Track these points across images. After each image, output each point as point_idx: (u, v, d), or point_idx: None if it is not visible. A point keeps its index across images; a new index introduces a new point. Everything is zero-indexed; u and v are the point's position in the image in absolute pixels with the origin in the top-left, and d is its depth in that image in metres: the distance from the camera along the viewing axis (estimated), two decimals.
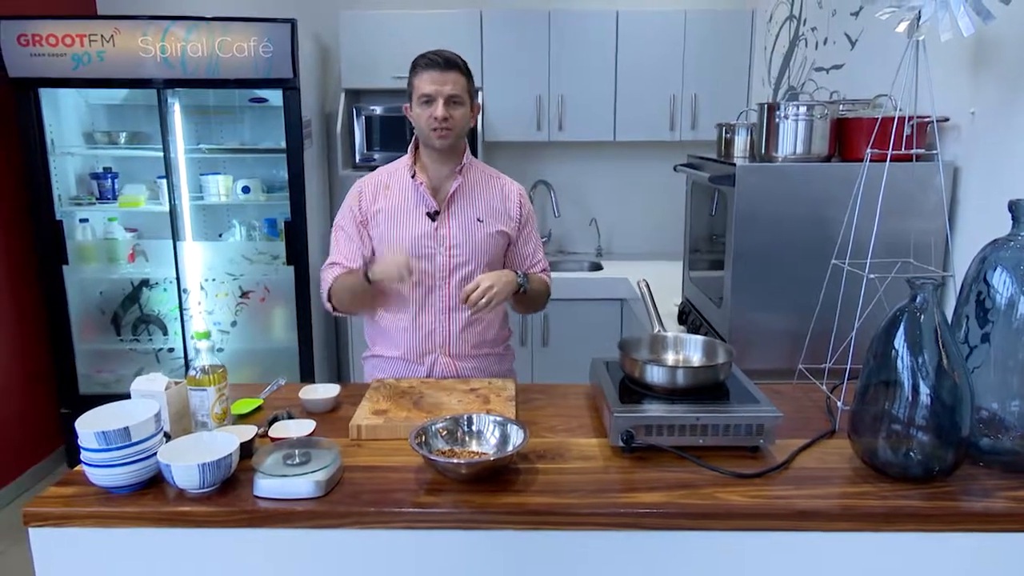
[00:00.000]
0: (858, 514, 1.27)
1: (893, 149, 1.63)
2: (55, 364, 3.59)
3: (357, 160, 3.72)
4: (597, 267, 3.90)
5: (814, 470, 1.41)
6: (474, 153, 3.62)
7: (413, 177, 1.87)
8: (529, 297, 1.91)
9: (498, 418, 1.48)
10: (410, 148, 1.92)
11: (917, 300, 1.35)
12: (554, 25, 3.61)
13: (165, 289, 3.74)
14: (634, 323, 3.36)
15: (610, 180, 4.09)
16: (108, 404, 1.39)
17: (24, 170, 3.38)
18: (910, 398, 1.33)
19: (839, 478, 1.38)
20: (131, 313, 3.79)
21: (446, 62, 1.78)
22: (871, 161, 1.64)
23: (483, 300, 1.74)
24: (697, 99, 3.65)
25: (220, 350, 3.77)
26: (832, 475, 1.39)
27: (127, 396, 1.49)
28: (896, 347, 1.35)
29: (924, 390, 1.32)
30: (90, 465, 1.30)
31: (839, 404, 1.61)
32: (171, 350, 3.80)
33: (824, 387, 1.73)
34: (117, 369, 3.77)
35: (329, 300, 1.92)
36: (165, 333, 3.81)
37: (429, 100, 1.78)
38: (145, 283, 3.76)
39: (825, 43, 2.73)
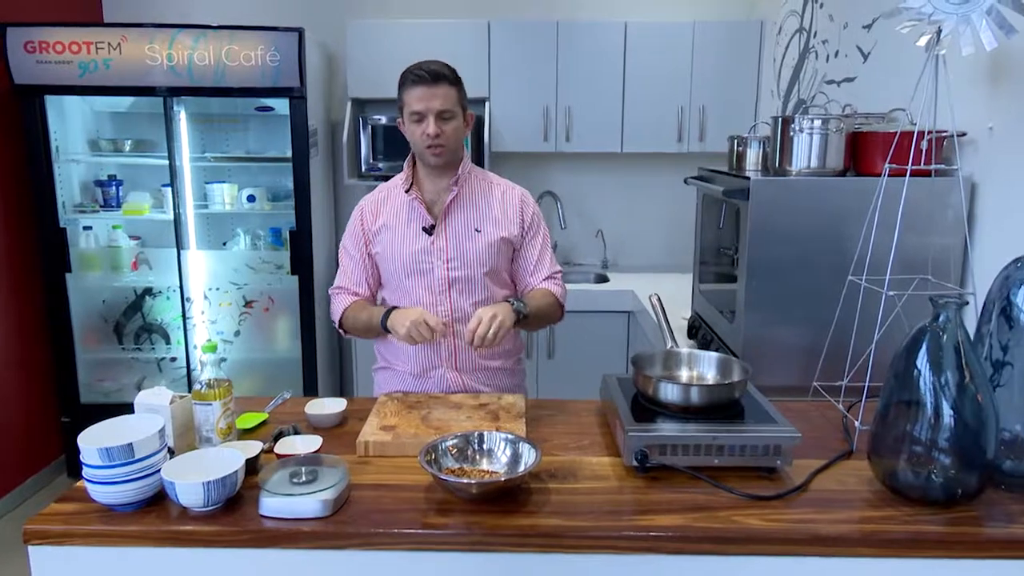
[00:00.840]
0: (880, 539, 1.23)
1: (911, 164, 1.60)
2: (56, 372, 3.56)
3: (363, 169, 3.70)
4: (603, 279, 3.88)
5: (833, 492, 1.37)
6: (480, 164, 3.62)
7: (408, 192, 1.85)
8: (533, 318, 1.83)
9: (509, 436, 1.45)
10: (406, 162, 1.90)
11: (940, 319, 1.32)
12: (562, 36, 3.60)
13: (168, 298, 3.72)
14: (641, 336, 3.33)
15: (617, 191, 4.07)
16: (111, 419, 1.36)
17: (28, 177, 3.36)
18: (932, 419, 1.30)
19: (859, 501, 1.34)
20: (134, 322, 3.77)
21: (433, 76, 1.72)
22: (889, 176, 1.61)
23: (490, 333, 1.65)
24: (705, 111, 3.63)
25: (223, 360, 3.73)
26: (852, 498, 1.35)
27: (129, 405, 1.47)
28: (918, 366, 1.32)
29: (947, 411, 1.29)
30: (92, 482, 1.27)
31: (856, 424, 1.58)
32: (173, 359, 3.77)
33: (840, 406, 1.70)
34: (119, 378, 3.74)
35: (341, 326, 1.94)
36: (168, 342, 3.78)
37: (419, 117, 1.75)
38: (148, 292, 3.74)
39: (836, 56, 2.70)
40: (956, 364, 1.29)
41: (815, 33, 2.92)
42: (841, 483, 1.41)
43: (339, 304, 1.93)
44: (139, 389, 3.71)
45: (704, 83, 3.62)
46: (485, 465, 1.42)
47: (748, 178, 1.95)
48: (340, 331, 1.97)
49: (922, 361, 1.31)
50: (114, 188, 3.63)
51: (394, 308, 1.78)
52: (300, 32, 3.22)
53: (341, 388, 4.12)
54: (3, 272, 3.29)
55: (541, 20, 3.65)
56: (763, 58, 3.57)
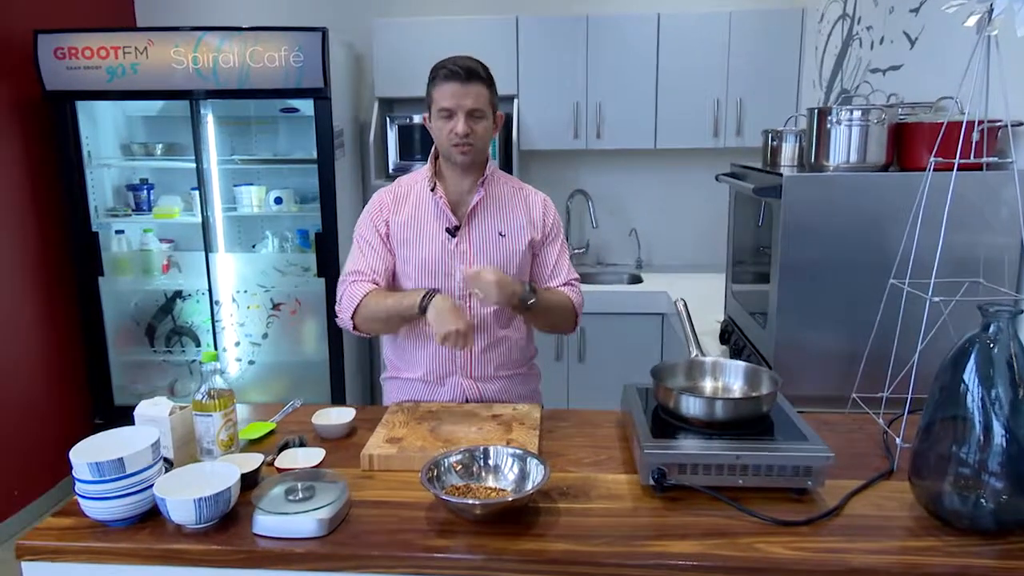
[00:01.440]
0: (921, 573, 1.12)
1: (960, 157, 1.46)
2: (90, 375, 3.61)
3: (390, 170, 3.65)
4: (637, 280, 3.76)
5: (869, 518, 1.26)
6: (509, 163, 3.55)
7: (432, 190, 1.78)
8: (540, 311, 1.73)
9: (517, 451, 1.37)
10: (430, 159, 1.82)
11: (990, 329, 1.19)
12: (592, 30, 3.49)
13: (198, 301, 3.74)
14: (675, 339, 3.21)
15: (650, 189, 3.94)
16: (106, 431, 1.33)
17: (61, 182, 3.41)
18: (982, 439, 1.18)
19: (898, 528, 1.23)
20: (165, 324, 3.80)
21: (467, 73, 1.65)
22: (935, 170, 1.48)
23: (478, 288, 1.62)
24: (743, 104, 3.48)
25: (251, 363, 3.74)
26: (890, 525, 1.24)
27: None
28: (965, 381, 1.20)
29: (998, 430, 1.17)
30: (84, 497, 1.24)
31: (898, 441, 1.45)
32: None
33: (881, 420, 1.57)
34: (152, 380, 3.78)
35: (354, 317, 1.74)
36: (198, 344, 3.80)
37: (449, 114, 1.67)
38: (179, 294, 3.76)
39: (881, 43, 2.54)
40: (1009, 379, 1.17)
41: (859, 19, 2.76)
42: (879, 507, 1.30)
43: (358, 290, 1.73)
44: (172, 392, 3.75)
45: (741, 75, 3.47)
46: (491, 482, 1.35)
47: (781, 175, 1.82)
48: (349, 322, 1.76)
49: (970, 375, 1.20)
50: (145, 192, 3.66)
51: (436, 291, 1.67)
52: (323, 32, 3.19)
53: (372, 392, 4.09)
54: (37, 276, 3.34)
55: (570, 15, 3.55)
56: (804, 48, 3.41)
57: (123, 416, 3.63)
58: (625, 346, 3.45)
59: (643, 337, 3.45)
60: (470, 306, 1.79)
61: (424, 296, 1.64)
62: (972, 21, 1.34)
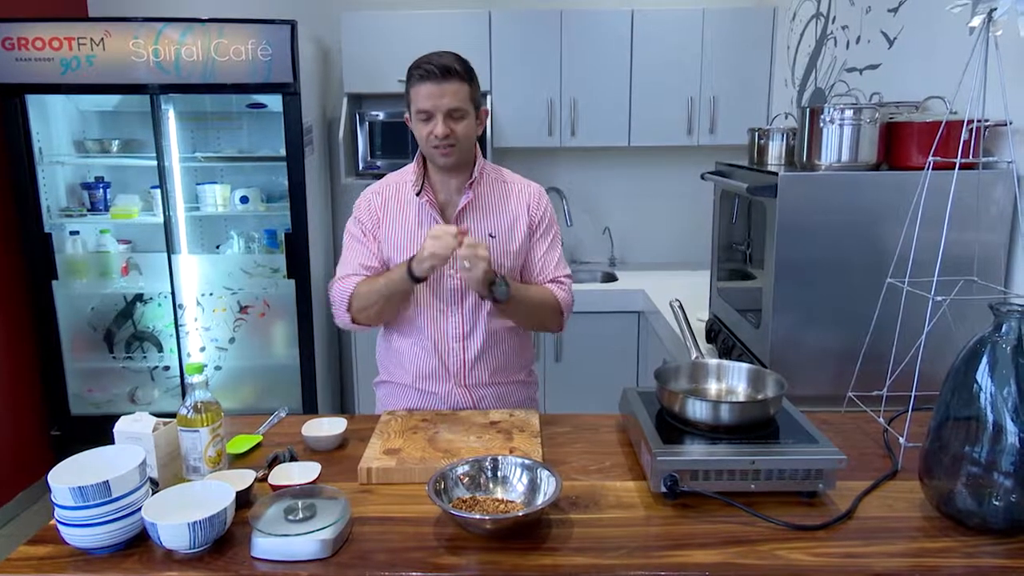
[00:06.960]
0: None
1: (952, 156, 1.47)
2: (45, 384, 3.43)
3: (360, 167, 3.56)
4: (611, 278, 3.74)
5: (882, 520, 1.25)
6: None
7: (418, 194, 1.71)
8: (515, 304, 1.66)
9: (526, 461, 1.32)
10: (415, 159, 1.75)
11: (1003, 329, 1.19)
12: (566, 25, 3.45)
13: (160, 304, 3.59)
14: (653, 338, 3.20)
15: (625, 187, 3.93)
16: (86, 452, 1.24)
17: (10, 181, 3.23)
18: (994, 438, 1.18)
19: (912, 529, 1.22)
20: (124, 330, 3.63)
21: (443, 71, 1.57)
22: (934, 169, 1.48)
23: (469, 259, 1.51)
24: (716, 102, 3.49)
25: (218, 368, 3.61)
26: (904, 526, 1.23)
27: (120, 416, 1.37)
28: (978, 380, 1.20)
29: (1011, 429, 1.17)
30: (65, 524, 1.15)
31: (901, 440, 1.45)
32: (166, 368, 3.64)
33: (881, 419, 1.57)
34: (110, 388, 3.61)
35: (349, 310, 1.70)
36: (160, 350, 3.64)
37: (427, 116, 1.60)
38: (139, 298, 3.60)
39: (858, 42, 2.57)
40: (1021, 378, 1.17)
41: (833, 18, 2.78)
42: (890, 508, 1.29)
43: (347, 285, 1.69)
44: (132, 400, 3.59)
45: (715, 73, 3.48)
46: (500, 494, 1.30)
47: (775, 174, 1.81)
48: (347, 316, 1.71)
49: (982, 375, 1.20)
50: (101, 190, 3.49)
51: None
52: (292, 25, 3.08)
53: (342, 397, 3.99)
54: None
55: (544, 9, 3.50)
56: (776, 46, 3.43)
57: (80, 425, 3.45)
58: (602, 345, 3.43)
59: (619, 336, 3.44)
60: (461, 310, 1.74)
61: (409, 260, 1.58)
62: (976, 21, 1.34)
